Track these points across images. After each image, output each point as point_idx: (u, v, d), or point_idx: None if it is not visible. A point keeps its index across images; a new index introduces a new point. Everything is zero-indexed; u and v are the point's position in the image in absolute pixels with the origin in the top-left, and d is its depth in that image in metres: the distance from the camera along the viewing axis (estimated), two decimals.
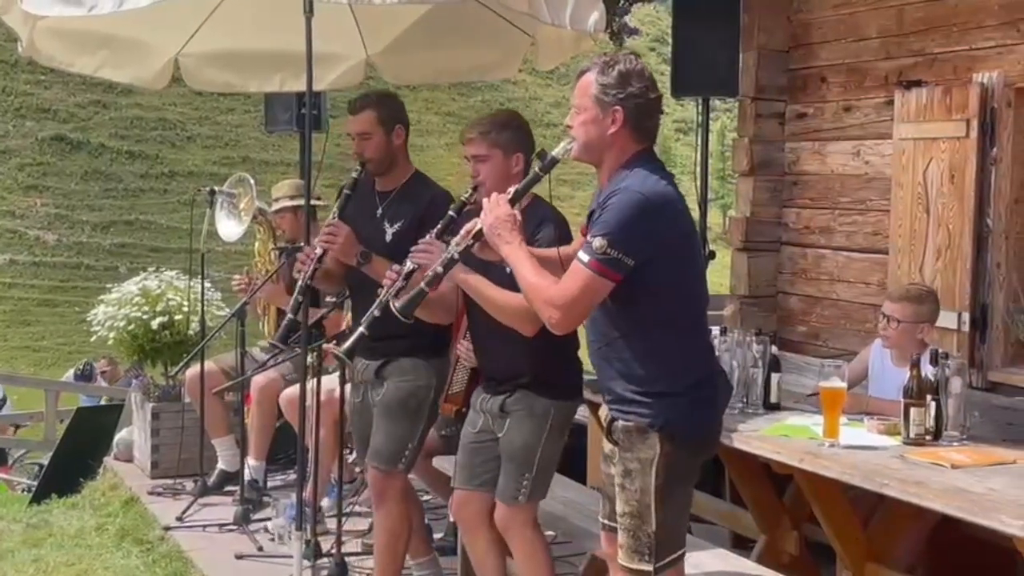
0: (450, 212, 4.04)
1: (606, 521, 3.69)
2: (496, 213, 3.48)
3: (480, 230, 3.54)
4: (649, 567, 3.40)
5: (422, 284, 3.62)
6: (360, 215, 4.70)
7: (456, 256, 3.60)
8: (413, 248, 3.92)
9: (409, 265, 3.88)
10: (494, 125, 4.13)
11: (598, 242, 3.26)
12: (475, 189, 4.07)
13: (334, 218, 4.62)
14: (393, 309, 3.64)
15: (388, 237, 4.65)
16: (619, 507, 3.46)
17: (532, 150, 4.11)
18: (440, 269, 3.61)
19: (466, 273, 3.71)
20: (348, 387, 5.44)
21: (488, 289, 3.76)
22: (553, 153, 3.51)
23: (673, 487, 3.40)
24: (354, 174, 4.71)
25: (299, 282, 4.65)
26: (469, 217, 3.74)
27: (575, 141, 3.47)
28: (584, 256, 3.29)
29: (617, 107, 3.38)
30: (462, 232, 3.63)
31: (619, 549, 3.48)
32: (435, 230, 3.97)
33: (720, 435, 3.65)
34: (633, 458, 3.39)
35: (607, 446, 3.60)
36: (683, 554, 3.51)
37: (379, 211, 4.74)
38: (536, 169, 3.60)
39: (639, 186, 3.33)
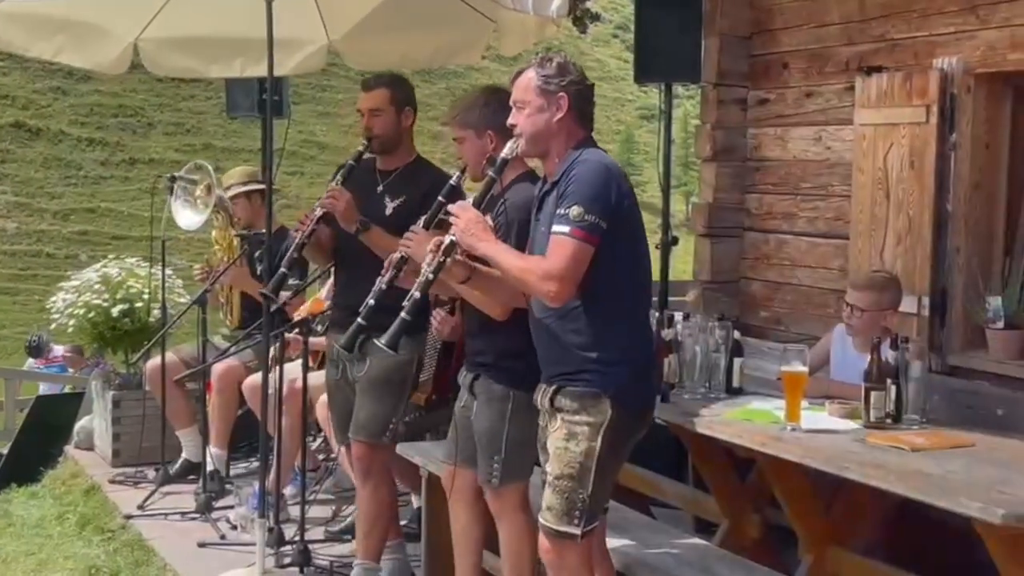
0: (439, 198, 4.00)
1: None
2: (465, 219, 3.61)
3: (450, 244, 3.63)
4: (577, 531, 3.57)
5: (403, 313, 3.64)
6: (360, 190, 4.69)
7: (431, 277, 3.65)
8: (404, 237, 3.95)
9: (398, 254, 3.94)
10: (462, 107, 4.20)
11: (575, 210, 3.44)
12: (463, 171, 4.12)
13: (337, 185, 4.63)
14: (379, 343, 3.68)
15: (388, 211, 4.69)
16: (554, 469, 3.59)
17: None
18: (417, 294, 3.66)
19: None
20: (313, 373, 5.44)
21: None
22: (502, 155, 3.70)
23: (612, 456, 3.59)
24: (360, 147, 4.75)
25: (297, 239, 4.64)
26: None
27: (521, 137, 3.65)
28: (564, 227, 3.44)
29: (561, 93, 3.61)
30: (428, 252, 3.68)
31: (546, 511, 3.61)
32: (423, 219, 3.97)
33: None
34: (581, 422, 3.54)
35: (544, 435, 3.70)
36: (598, 525, 3.71)
37: (380, 188, 4.78)
38: (490, 173, 3.76)
39: (599, 158, 3.58)
